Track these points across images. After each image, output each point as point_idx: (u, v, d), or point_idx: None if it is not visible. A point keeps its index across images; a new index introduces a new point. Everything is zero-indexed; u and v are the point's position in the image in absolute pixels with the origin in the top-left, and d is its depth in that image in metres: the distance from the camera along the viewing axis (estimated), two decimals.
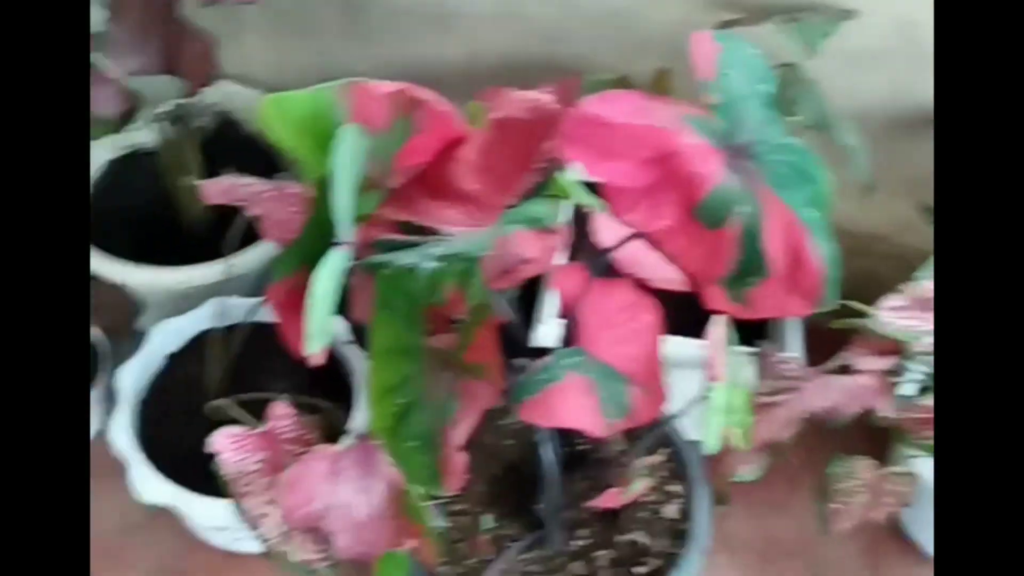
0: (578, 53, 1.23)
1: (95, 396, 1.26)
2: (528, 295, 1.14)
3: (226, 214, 1.05)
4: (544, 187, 0.72)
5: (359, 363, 1.18)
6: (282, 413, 0.92)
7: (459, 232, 0.75)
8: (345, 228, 0.74)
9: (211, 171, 1.19)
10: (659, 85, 1.07)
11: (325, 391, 1.14)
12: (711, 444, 0.84)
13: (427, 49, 1.28)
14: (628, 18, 1.19)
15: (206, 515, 1.13)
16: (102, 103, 1.09)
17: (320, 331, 0.73)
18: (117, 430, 1.14)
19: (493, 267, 0.70)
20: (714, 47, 0.70)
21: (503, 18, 1.23)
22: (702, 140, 0.66)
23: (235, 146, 1.37)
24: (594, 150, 0.67)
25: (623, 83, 1.03)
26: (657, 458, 1.07)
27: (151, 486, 1.11)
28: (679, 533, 1.04)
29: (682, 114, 0.67)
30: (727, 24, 1.06)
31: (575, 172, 0.75)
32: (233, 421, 1.00)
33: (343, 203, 0.74)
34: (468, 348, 0.75)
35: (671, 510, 1.05)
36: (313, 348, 0.73)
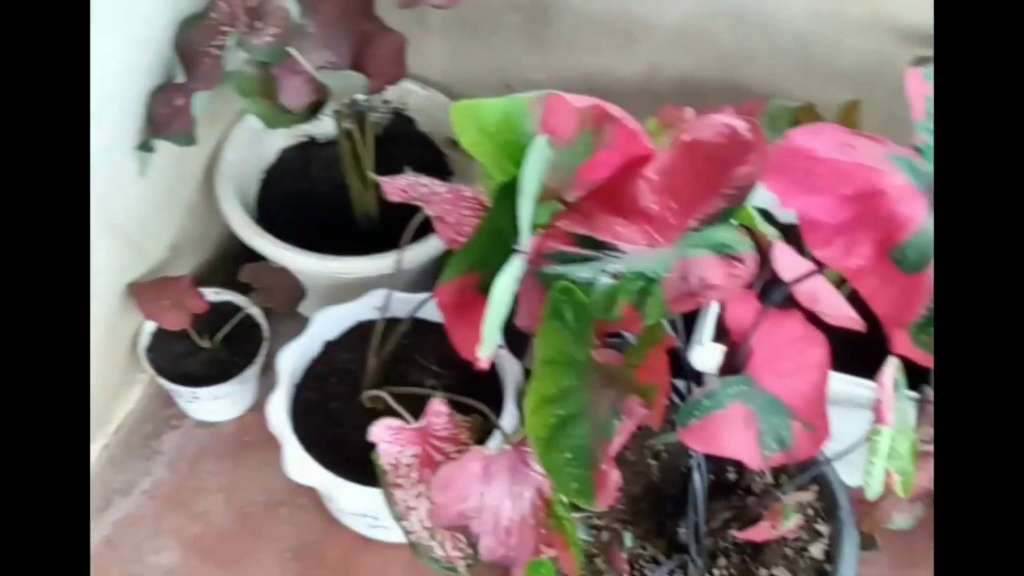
0: (761, 77, 1.21)
1: (253, 373, 1.31)
2: (685, 317, 1.13)
3: (391, 209, 1.07)
4: (729, 213, 0.71)
5: (510, 368, 1.19)
6: (439, 410, 0.94)
7: (634, 250, 0.75)
8: (526, 237, 0.75)
9: (382, 166, 1.22)
10: (848, 117, 1.04)
11: (475, 392, 1.15)
12: (873, 489, 0.81)
13: (606, 62, 1.28)
14: (817, 45, 1.17)
15: (350, 500, 1.15)
16: (291, 94, 1.12)
17: (493, 336, 0.74)
18: (274, 410, 1.17)
19: (674, 290, 0.70)
20: (926, 86, 0.68)
21: (688, 35, 1.22)
22: (908, 182, 0.64)
23: (407, 143, 1.40)
24: (795, 182, 0.66)
25: (808, 111, 1.01)
26: (807, 495, 1.04)
27: (302, 467, 1.14)
28: (822, 574, 1.01)
29: (888, 153, 0.65)
30: (923, 60, 1.03)
31: (755, 201, 0.74)
32: (384, 413, 1.02)
33: (527, 212, 0.75)
34: (639, 368, 0.75)
35: (816, 550, 1.03)
36: (486, 353, 0.74)
